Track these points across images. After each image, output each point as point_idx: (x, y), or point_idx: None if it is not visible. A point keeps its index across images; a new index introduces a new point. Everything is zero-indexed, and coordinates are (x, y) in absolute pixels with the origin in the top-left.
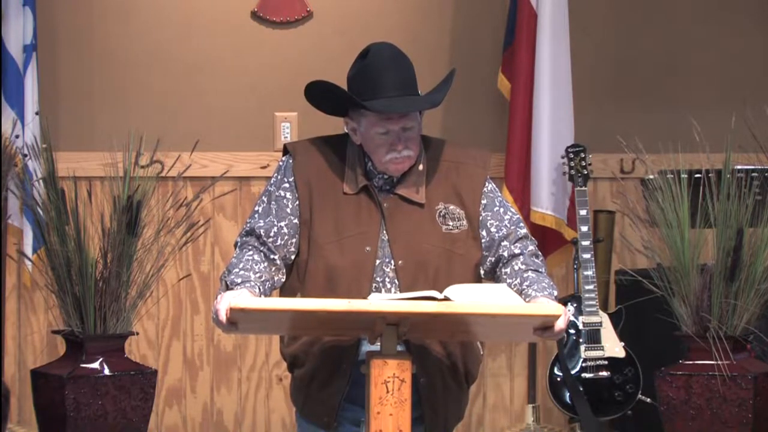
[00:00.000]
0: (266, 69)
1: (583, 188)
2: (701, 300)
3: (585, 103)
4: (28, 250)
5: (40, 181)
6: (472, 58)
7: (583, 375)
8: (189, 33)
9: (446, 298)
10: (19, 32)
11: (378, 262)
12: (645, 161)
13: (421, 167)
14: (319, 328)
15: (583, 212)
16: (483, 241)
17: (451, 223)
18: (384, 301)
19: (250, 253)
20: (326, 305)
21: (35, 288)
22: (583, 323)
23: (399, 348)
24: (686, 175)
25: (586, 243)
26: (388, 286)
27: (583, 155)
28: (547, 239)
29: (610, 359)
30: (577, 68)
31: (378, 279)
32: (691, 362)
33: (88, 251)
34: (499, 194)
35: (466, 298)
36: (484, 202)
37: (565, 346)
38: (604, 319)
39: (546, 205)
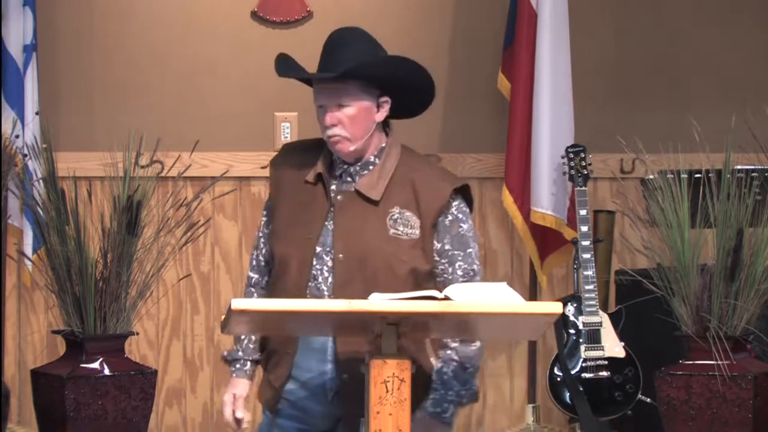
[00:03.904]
0: (266, 69)
1: (583, 188)
2: (701, 300)
3: (585, 103)
4: (28, 250)
5: (40, 181)
6: (473, 58)
7: (583, 375)
8: (189, 33)
9: (446, 298)
10: (19, 32)
11: (319, 250)
12: (645, 161)
13: (387, 165)
14: (318, 328)
15: (583, 212)
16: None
17: (401, 229)
18: (384, 301)
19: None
20: (326, 306)
21: (35, 288)
22: (583, 323)
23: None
24: (686, 175)
25: (586, 243)
26: (326, 275)
27: (583, 155)
28: (547, 239)
29: (610, 359)
30: (577, 68)
31: (317, 268)
32: (691, 362)
33: (88, 251)
34: (465, 230)
35: (466, 297)
36: (445, 222)
37: (565, 346)
38: (604, 319)
39: (546, 205)
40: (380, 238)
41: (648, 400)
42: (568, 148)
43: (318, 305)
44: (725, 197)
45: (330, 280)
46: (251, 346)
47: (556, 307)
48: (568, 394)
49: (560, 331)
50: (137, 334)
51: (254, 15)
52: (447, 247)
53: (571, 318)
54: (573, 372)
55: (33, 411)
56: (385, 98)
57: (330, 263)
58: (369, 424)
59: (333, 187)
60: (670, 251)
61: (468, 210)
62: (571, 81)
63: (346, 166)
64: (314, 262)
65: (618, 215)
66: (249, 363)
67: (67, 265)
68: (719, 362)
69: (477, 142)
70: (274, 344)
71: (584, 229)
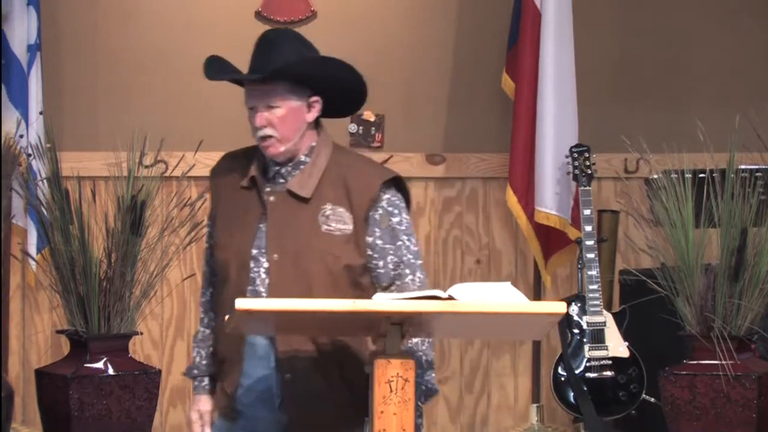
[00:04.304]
0: None
1: (587, 188)
2: (705, 300)
3: (589, 102)
4: (32, 249)
5: (44, 180)
6: (477, 58)
7: (588, 375)
8: (192, 33)
9: (450, 297)
10: (23, 32)
11: (255, 253)
12: (649, 161)
13: (318, 163)
14: (321, 329)
15: (587, 212)
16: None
17: (333, 225)
18: (388, 301)
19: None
20: (330, 305)
21: (39, 288)
22: (587, 323)
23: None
24: (690, 175)
25: (590, 243)
26: (263, 276)
27: (587, 155)
28: (551, 239)
29: (614, 359)
30: (580, 68)
31: (255, 271)
32: (695, 362)
33: (92, 251)
34: (395, 223)
35: (471, 297)
36: (375, 216)
37: (569, 345)
38: (608, 318)
39: (550, 204)
40: (313, 235)
41: (652, 399)
42: (572, 147)
43: (321, 305)
44: (729, 197)
45: (267, 281)
46: (204, 362)
47: (560, 307)
48: (572, 394)
49: (564, 331)
50: (141, 333)
51: (258, 15)
52: (378, 241)
53: (575, 318)
54: (577, 372)
55: (37, 411)
56: (316, 98)
57: (266, 264)
58: (373, 424)
59: (267, 189)
60: (674, 251)
61: (401, 203)
62: (575, 81)
63: (278, 168)
64: (252, 266)
65: (622, 215)
66: (206, 379)
67: (71, 264)
68: (723, 362)
69: (481, 141)
70: (224, 352)
71: (588, 228)
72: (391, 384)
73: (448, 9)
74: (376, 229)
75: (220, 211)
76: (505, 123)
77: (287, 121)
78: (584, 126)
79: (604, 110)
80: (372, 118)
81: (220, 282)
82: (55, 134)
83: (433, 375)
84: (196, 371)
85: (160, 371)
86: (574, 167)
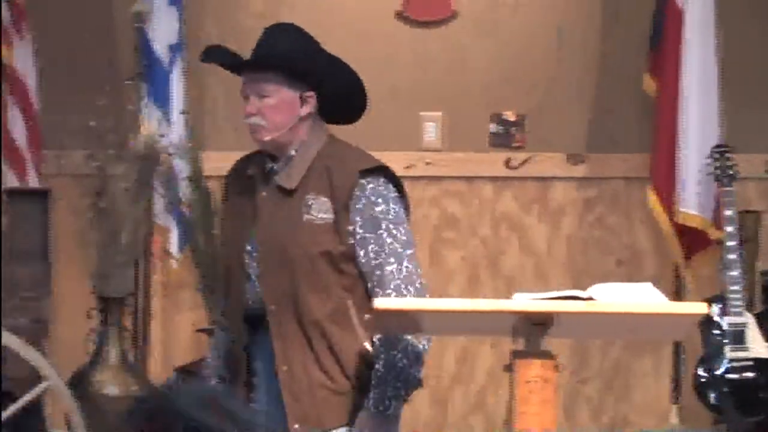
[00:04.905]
0: (410, 68)
1: (729, 188)
2: None
3: (731, 102)
4: (173, 248)
5: (186, 180)
6: (619, 58)
7: (729, 376)
8: (333, 33)
9: (590, 298)
10: (165, 32)
11: (249, 249)
12: None
13: (306, 156)
14: (459, 328)
15: (728, 212)
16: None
17: (314, 214)
18: (529, 301)
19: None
20: (470, 305)
21: (181, 287)
22: (729, 324)
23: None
24: None
25: (731, 243)
26: (254, 267)
27: (728, 155)
28: (692, 240)
29: (756, 360)
30: (723, 67)
31: (252, 266)
32: None
33: None
34: (378, 212)
35: (611, 298)
36: (357, 204)
37: (710, 346)
38: (750, 319)
39: (692, 205)
40: (294, 225)
41: None
42: (713, 148)
43: (462, 305)
44: None
45: (253, 274)
46: (215, 363)
47: (700, 308)
48: (713, 395)
49: (705, 332)
50: None
51: (398, 15)
52: (359, 229)
53: (716, 318)
54: (718, 373)
55: None
56: (310, 93)
57: (256, 256)
58: (514, 424)
59: (262, 187)
60: None
61: (389, 192)
62: (718, 81)
63: (272, 165)
64: (246, 260)
65: (765, 215)
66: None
67: (212, 263)
68: None
69: (622, 142)
70: (234, 351)
71: (730, 229)
72: (531, 384)
73: (590, 9)
74: (357, 218)
75: (225, 216)
76: (647, 123)
77: (276, 110)
78: (726, 126)
79: (746, 110)
80: (513, 118)
81: (226, 280)
82: (197, 134)
83: (417, 365)
84: (207, 371)
85: None
86: (716, 167)
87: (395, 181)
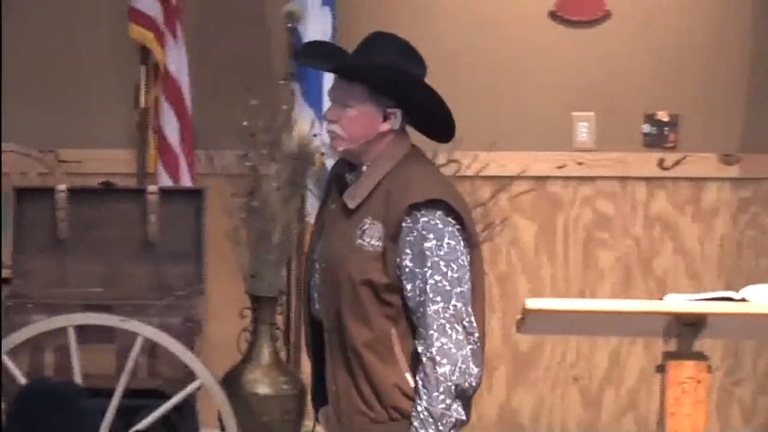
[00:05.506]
0: (564, 68)
1: None
2: None
3: None
4: None
5: None
6: None
7: None
8: (485, 33)
9: (743, 299)
10: (318, 32)
11: (315, 258)
12: None
13: (374, 175)
14: (610, 329)
15: None
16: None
17: (366, 240)
18: (681, 302)
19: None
20: (622, 306)
21: None
22: None
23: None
24: None
25: None
26: (316, 279)
27: None
28: None
29: None
30: None
31: (313, 274)
32: None
33: None
34: (427, 248)
35: (765, 299)
36: (408, 237)
37: None
38: None
39: None
40: (347, 248)
41: None
42: None
43: (614, 306)
44: None
45: (316, 291)
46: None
47: None
48: None
49: None
50: None
51: (552, 14)
52: (408, 263)
53: None
54: None
55: None
56: (394, 110)
57: (319, 274)
58: (665, 425)
59: (333, 197)
60: None
61: (445, 226)
62: None
63: (348, 176)
64: (312, 272)
65: None
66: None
67: None
68: None
69: None
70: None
71: None
72: (684, 386)
73: (746, 7)
74: (407, 251)
75: (315, 216)
76: None
77: (356, 123)
78: None
79: None
80: (666, 118)
81: (304, 285)
82: None
83: (461, 404)
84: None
85: None
86: None
87: (454, 214)
